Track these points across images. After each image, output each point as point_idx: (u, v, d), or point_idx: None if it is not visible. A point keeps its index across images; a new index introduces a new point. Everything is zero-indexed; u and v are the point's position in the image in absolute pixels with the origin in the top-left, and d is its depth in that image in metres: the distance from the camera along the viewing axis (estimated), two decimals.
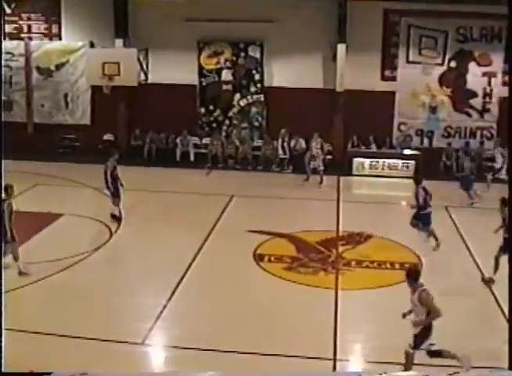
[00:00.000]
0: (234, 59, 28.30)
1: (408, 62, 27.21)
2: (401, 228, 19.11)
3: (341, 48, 26.51)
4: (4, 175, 15.23)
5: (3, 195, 15.82)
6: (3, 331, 10.12)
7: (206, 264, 17.06)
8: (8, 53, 29.61)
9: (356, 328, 13.73)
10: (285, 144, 27.28)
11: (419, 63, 27.13)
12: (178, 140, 28.35)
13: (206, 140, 28.49)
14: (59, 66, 29.52)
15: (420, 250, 17.62)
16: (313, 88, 27.31)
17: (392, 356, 11.47)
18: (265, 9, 26.92)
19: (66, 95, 29.64)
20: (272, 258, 17.41)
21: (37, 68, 29.69)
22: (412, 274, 11.28)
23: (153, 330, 13.74)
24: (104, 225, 19.81)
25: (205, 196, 23.03)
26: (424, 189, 17.75)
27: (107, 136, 29.04)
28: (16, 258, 16.20)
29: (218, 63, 28.43)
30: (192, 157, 28.30)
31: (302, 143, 27.22)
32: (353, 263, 17.22)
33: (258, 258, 17.34)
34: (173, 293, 15.30)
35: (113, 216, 20.25)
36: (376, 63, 27.27)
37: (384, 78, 27.47)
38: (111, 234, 19.25)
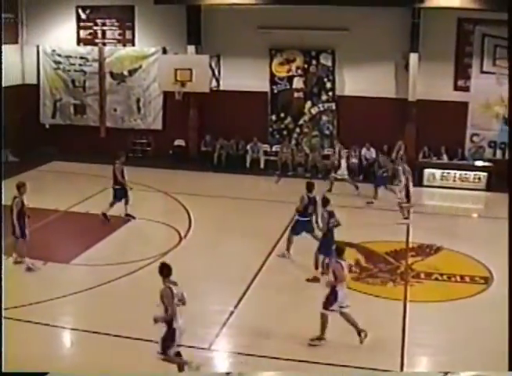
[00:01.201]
0: (306, 66, 28.22)
1: (482, 72, 26.77)
2: (471, 241, 18.84)
3: (414, 57, 26.24)
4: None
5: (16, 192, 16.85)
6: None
7: (274, 271, 17.06)
8: (82, 58, 30.14)
9: (424, 341, 13.57)
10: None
11: (493, 73, 26.63)
12: (248, 147, 28.42)
13: (276, 147, 28.48)
14: (131, 72, 29.87)
15: (492, 265, 17.33)
16: (385, 97, 27.08)
17: (461, 369, 11.28)
18: (337, 17, 26.79)
19: (138, 100, 29.97)
20: None
21: (111, 73, 30.10)
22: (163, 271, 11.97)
23: (220, 336, 13.80)
24: (174, 229, 19.95)
25: (274, 203, 23.01)
26: (329, 213, 16.74)
27: (178, 142, 29.27)
28: (20, 255, 16.74)
29: (289, 70, 28.40)
30: (262, 164, 28.34)
31: (373, 153, 27.03)
32: (422, 275, 17.03)
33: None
34: (240, 300, 15.34)
35: (127, 215, 20.60)
36: (449, 73, 26.89)
37: (456, 88, 27.05)
38: (180, 239, 19.40)
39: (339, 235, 18.80)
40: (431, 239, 19.17)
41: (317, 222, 17.64)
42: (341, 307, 13.47)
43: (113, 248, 18.74)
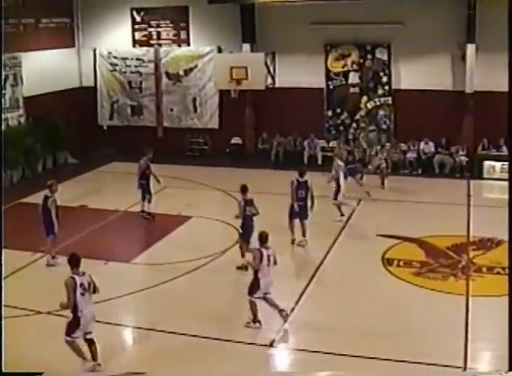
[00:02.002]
0: (361, 61, 28.06)
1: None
2: None
3: (471, 48, 25.90)
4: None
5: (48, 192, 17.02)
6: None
7: (334, 267, 17.02)
8: (138, 60, 30.43)
9: (487, 336, 13.40)
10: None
11: None
12: (305, 143, 28.35)
13: (333, 143, 28.37)
14: (187, 72, 30.04)
15: None
16: (442, 90, 26.79)
17: None
18: (392, 10, 26.59)
19: (194, 100, 30.13)
20: (401, 263, 17.20)
21: (167, 73, 30.32)
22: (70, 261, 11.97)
23: (281, 332, 13.80)
24: (232, 227, 19.98)
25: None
26: (246, 201, 16.95)
27: (235, 140, 29.35)
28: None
29: (345, 65, 28.27)
30: (319, 160, 28.24)
31: (431, 146, 26.78)
32: (484, 269, 16.81)
33: (387, 262, 17.16)
34: (300, 296, 15.33)
35: (142, 212, 20.77)
36: (506, 64, 26.28)
37: None
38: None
39: (402, 230, 18.72)
40: (493, 232, 18.86)
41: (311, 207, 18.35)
42: (265, 293, 13.83)
43: (172, 247, 18.86)
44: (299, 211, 18.36)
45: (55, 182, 17.63)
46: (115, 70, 30.83)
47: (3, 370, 10.05)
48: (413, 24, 26.52)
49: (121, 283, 16.02)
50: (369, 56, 27.90)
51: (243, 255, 16.81)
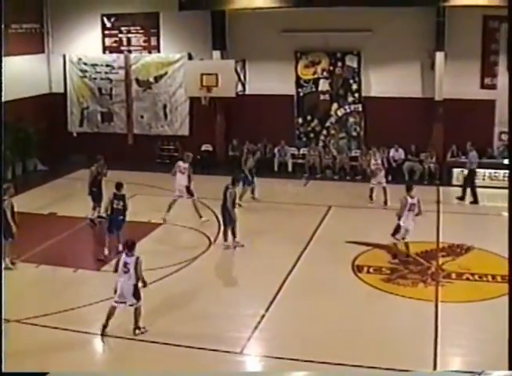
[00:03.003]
0: (331, 68, 28.16)
1: (509, 69, 26.57)
2: (502, 240, 18.61)
3: (440, 56, 26.11)
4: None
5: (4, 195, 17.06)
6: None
7: (304, 274, 17.03)
8: (108, 66, 30.33)
9: (457, 341, 13.49)
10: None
11: None
12: (275, 150, 28.38)
13: (303, 150, 28.44)
14: (157, 78, 29.99)
15: None
16: (411, 97, 26.97)
17: (494, 369, 11.18)
18: (361, 18, 26.72)
19: (164, 107, 30.08)
20: (371, 270, 17.26)
21: (137, 80, 30.24)
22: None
23: (252, 339, 13.80)
24: (203, 234, 19.98)
25: (303, 206, 23.01)
26: (115, 195, 18.10)
27: (205, 147, 29.33)
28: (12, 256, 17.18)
29: (315, 72, 28.36)
30: (290, 168, 28.30)
31: (401, 153, 26.94)
32: (453, 275, 16.91)
33: (357, 268, 17.21)
34: (271, 303, 15.33)
35: (91, 220, 21.00)
36: (475, 71, 26.69)
37: (483, 86, 26.84)
38: (210, 243, 19.42)
39: (372, 237, 18.77)
40: (462, 238, 19.04)
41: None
42: (116, 301, 13.80)
43: (142, 254, 18.68)
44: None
45: (11, 185, 17.69)
46: (85, 77, 30.69)
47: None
48: (383, 32, 26.68)
49: (91, 291, 15.93)
50: (340, 64, 28.02)
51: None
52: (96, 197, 20.94)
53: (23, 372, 10.93)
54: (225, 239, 19.03)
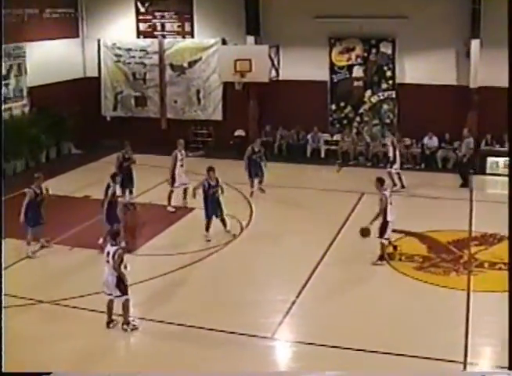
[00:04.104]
0: (365, 55, 28.00)
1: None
2: None
3: (475, 43, 25.84)
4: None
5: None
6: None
7: (336, 260, 17.03)
8: (142, 51, 30.40)
9: (488, 331, 13.42)
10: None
11: None
12: (308, 137, 28.32)
13: (337, 137, 28.37)
14: (191, 63, 30.01)
15: None
16: (446, 84, 26.74)
17: None
18: (397, 4, 26.56)
19: (198, 92, 30.12)
20: (403, 258, 17.21)
21: (171, 65, 30.29)
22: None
23: (282, 325, 13.87)
24: (235, 219, 20.03)
25: (336, 192, 22.98)
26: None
27: (238, 132, 29.33)
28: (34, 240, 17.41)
29: (349, 59, 28.21)
30: (322, 154, 28.24)
31: (435, 141, 26.77)
32: (486, 265, 16.81)
33: (389, 256, 17.16)
34: (302, 289, 15.37)
35: (125, 205, 20.79)
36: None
37: None
38: (242, 229, 19.47)
39: (405, 224, 18.72)
40: (495, 228, 18.87)
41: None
42: (104, 293, 13.64)
43: (174, 239, 18.90)
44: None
45: (41, 175, 17.86)
46: (119, 61, 30.81)
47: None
48: (418, 19, 26.46)
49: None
50: (374, 50, 27.84)
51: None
52: (125, 183, 20.98)
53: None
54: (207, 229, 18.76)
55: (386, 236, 16.90)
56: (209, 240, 18.34)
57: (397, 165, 23.50)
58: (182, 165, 21.37)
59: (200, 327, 13.57)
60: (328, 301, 14.85)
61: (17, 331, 13.49)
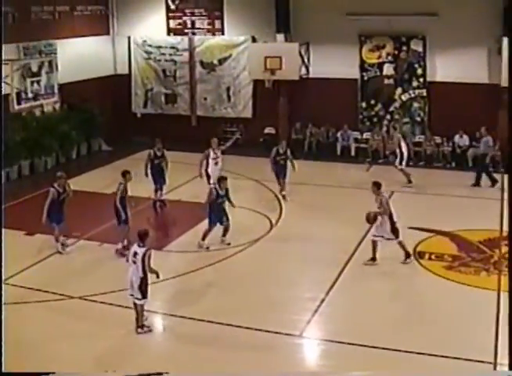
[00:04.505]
0: (396, 53, 27.84)
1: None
2: None
3: (507, 41, 25.62)
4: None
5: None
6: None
7: (365, 259, 16.92)
8: (172, 48, 30.48)
9: None
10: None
11: None
12: (338, 134, 28.23)
13: (367, 135, 28.27)
14: (221, 61, 30.05)
15: None
16: (477, 83, 26.53)
17: None
18: (428, 1, 26.41)
19: (228, 89, 30.15)
20: (433, 256, 17.13)
21: (201, 62, 30.35)
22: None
23: (311, 323, 13.86)
24: (265, 216, 20.03)
25: (365, 190, 22.73)
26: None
27: (268, 129, 29.34)
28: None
29: (379, 56, 28.09)
30: (352, 152, 28.15)
31: (466, 140, 26.59)
32: None
33: (419, 255, 17.09)
34: (331, 287, 15.34)
35: (161, 201, 21.23)
36: None
37: None
38: (271, 226, 19.46)
39: (435, 223, 18.61)
40: None
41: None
42: (130, 295, 13.47)
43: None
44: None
45: (63, 174, 18.09)
46: (149, 58, 30.92)
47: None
48: (449, 16, 26.29)
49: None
50: (404, 48, 27.68)
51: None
52: (156, 180, 21.07)
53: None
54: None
55: (400, 237, 16.70)
56: (229, 244, 18.05)
57: (404, 161, 23.84)
58: (216, 163, 21.35)
59: (228, 324, 13.59)
60: (357, 300, 14.82)
61: (43, 327, 13.70)
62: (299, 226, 19.55)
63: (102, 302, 14.21)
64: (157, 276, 13.39)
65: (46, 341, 13.14)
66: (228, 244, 18.03)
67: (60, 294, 15.03)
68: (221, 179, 18.11)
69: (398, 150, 23.71)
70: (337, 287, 15.37)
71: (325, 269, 16.35)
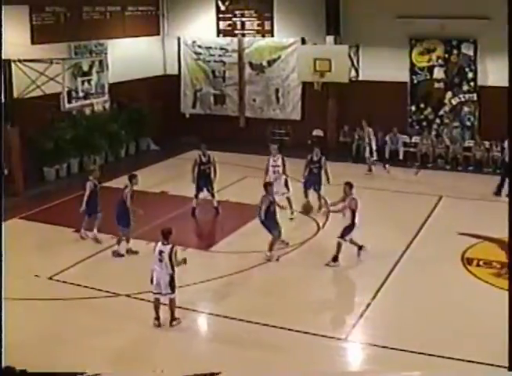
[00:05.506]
0: (446, 56, 27.60)
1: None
2: None
3: None
4: None
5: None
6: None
7: (412, 264, 16.83)
8: (222, 49, 30.58)
9: None
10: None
11: None
12: (387, 138, 28.02)
13: (415, 139, 28.04)
14: (270, 62, 30.06)
15: None
16: None
17: None
18: (479, 5, 26.10)
19: (277, 91, 30.15)
20: (481, 263, 16.92)
21: (250, 64, 30.40)
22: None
23: (356, 326, 13.78)
24: (312, 219, 19.97)
25: (413, 195, 22.72)
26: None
27: (316, 132, 29.25)
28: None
29: (429, 60, 27.86)
30: (401, 155, 27.93)
31: None
32: None
33: (467, 261, 16.91)
34: (377, 291, 15.25)
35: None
36: None
37: None
38: (318, 228, 19.40)
39: (483, 229, 18.40)
40: None
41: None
42: (153, 293, 13.76)
43: (249, 237, 18.88)
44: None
45: (96, 168, 18.87)
46: (199, 59, 31.06)
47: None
48: (501, 20, 25.80)
49: (198, 271, 16.17)
50: (455, 51, 27.41)
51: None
52: (201, 184, 20.77)
53: (62, 372, 11.04)
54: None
55: (347, 238, 16.74)
56: (287, 244, 18.01)
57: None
58: (274, 172, 20.50)
59: (273, 326, 13.58)
60: (403, 305, 14.71)
61: (84, 323, 13.82)
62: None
63: (148, 301, 14.24)
64: (185, 262, 13.69)
65: (90, 337, 13.26)
66: (287, 243, 17.99)
67: (106, 291, 15.16)
68: (267, 185, 17.65)
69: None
70: (383, 292, 15.26)
71: (371, 273, 16.25)
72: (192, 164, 20.79)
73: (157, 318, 13.73)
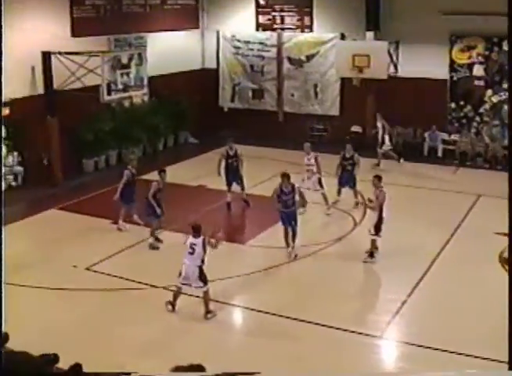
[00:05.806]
0: (487, 53, 27.34)
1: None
2: None
3: None
4: None
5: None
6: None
7: (449, 262, 16.74)
8: (260, 43, 30.53)
9: None
10: None
11: None
12: (426, 135, 27.88)
13: (455, 136, 27.82)
14: (309, 57, 29.97)
15: None
16: None
17: None
18: None
19: (315, 86, 30.07)
20: None
21: (289, 58, 30.33)
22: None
23: (391, 324, 13.74)
24: (348, 215, 19.94)
25: (451, 193, 22.54)
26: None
27: (355, 128, 29.12)
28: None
29: (470, 57, 27.61)
30: (440, 153, 27.75)
31: None
32: None
33: (504, 261, 16.75)
34: (413, 289, 15.18)
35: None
36: None
37: None
38: (355, 224, 19.35)
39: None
40: None
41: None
42: (182, 283, 13.92)
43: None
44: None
45: (135, 157, 19.45)
46: (238, 53, 31.06)
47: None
48: None
49: (235, 264, 16.24)
50: (496, 49, 27.13)
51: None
52: (230, 179, 20.93)
53: (103, 372, 11.08)
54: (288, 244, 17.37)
55: (380, 234, 16.73)
56: (296, 256, 17.29)
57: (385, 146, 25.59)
58: (307, 170, 20.56)
59: (309, 322, 13.60)
60: (439, 303, 14.64)
61: (122, 314, 13.92)
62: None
63: (185, 294, 14.30)
64: (216, 246, 13.99)
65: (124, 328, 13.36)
66: (296, 255, 17.15)
67: (145, 284, 15.26)
68: (283, 176, 17.52)
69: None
70: (419, 290, 15.19)
71: (407, 270, 16.18)
72: (219, 157, 20.90)
73: (172, 304, 14.00)
